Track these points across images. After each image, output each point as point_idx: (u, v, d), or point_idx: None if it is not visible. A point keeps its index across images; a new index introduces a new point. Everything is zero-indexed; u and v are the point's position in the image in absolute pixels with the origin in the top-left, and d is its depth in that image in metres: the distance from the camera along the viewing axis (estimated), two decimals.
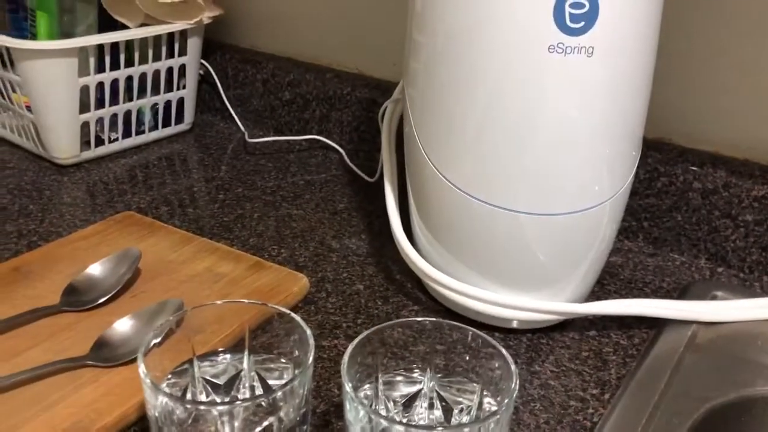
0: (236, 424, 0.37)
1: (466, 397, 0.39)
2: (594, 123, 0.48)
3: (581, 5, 0.43)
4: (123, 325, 0.47)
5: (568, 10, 0.43)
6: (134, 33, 0.76)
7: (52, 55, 0.71)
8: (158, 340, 0.37)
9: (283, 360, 0.40)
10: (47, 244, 0.60)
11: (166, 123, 0.86)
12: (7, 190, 0.72)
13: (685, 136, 0.65)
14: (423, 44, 0.51)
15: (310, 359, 0.36)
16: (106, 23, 0.78)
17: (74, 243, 0.60)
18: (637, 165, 0.53)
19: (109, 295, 0.52)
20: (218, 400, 0.39)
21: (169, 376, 0.39)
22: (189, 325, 0.39)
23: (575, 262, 0.53)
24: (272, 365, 0.40)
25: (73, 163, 0.78)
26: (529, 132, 0.47)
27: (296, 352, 0.39)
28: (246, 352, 0.41)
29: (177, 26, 0.80)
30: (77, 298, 0.51)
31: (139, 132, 0.83)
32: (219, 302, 0.40)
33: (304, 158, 0.84)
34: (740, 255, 0.62)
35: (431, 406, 0.40)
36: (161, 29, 0.78)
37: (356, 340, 0.37)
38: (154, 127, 0.85)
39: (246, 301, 0.40)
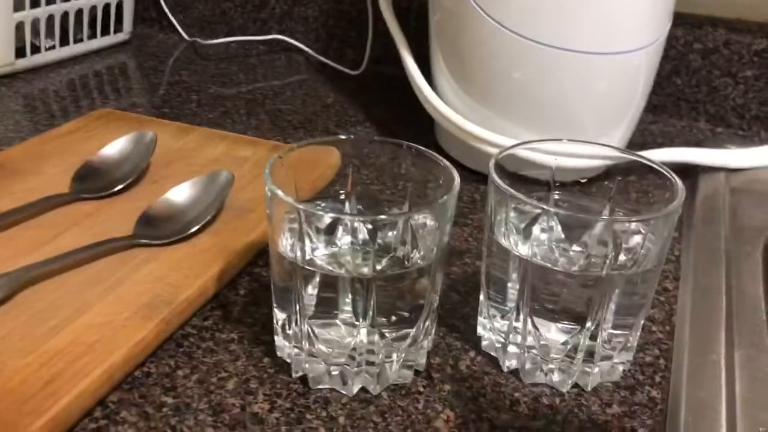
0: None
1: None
2: None
3: None
4: (176, 196, 0.41)
5: None
6: None
7: None
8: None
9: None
10: (24, 142, 0.51)
11: (105, 31, 0.77)
12: None
13: (680, 3, 0.66)
14: None
15: (454, 192, 0.32)
16: None
17: (58, 139, 0.51)
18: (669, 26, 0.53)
19: (129, 180, 0.45)
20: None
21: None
22: (290, 166, 0.34)
23: (615, 109, 0.53)
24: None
25: (8, 72, 0.68)
26: None
27: (428, 193, 0.35)
28: (349, 197, 0.36)
29: None
30: (92, 185, 0.44)
31: (77, 40, 0.74)
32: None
33: (266, 61, 0.77)
34: (739, 112, 0.64)
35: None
36: None
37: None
38: (92, 36, 0.76)
39: (351, 136, 0.36)
